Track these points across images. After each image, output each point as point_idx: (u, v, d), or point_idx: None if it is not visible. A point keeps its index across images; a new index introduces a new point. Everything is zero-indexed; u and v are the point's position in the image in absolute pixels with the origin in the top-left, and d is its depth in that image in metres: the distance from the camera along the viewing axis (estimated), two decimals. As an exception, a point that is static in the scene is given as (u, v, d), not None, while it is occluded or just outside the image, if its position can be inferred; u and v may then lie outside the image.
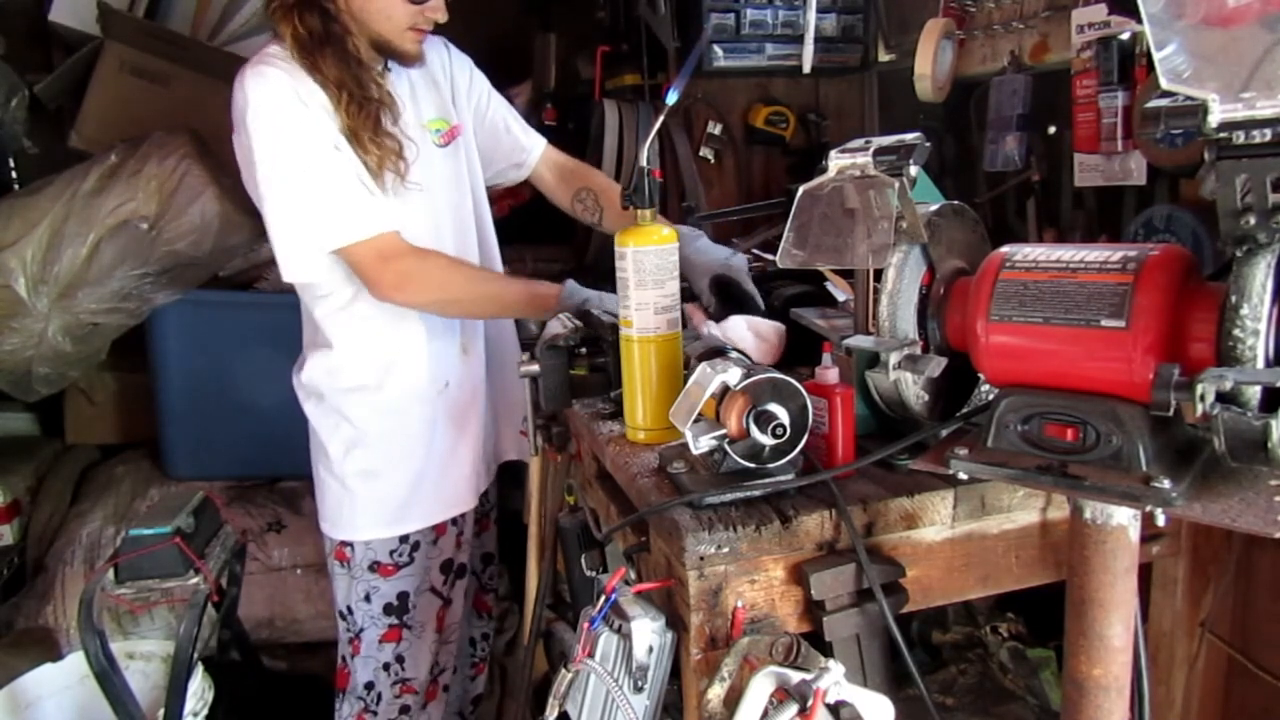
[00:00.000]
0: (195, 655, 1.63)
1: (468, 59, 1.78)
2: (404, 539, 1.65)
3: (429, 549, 1.69)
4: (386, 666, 1.69)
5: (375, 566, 1.64)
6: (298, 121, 1.44)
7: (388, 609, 1.67)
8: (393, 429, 1.62)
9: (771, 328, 1.39)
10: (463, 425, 1.71)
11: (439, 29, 1.58)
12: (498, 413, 1.83)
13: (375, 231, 1.48)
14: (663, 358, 1.17)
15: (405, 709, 1.72)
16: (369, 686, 1.69)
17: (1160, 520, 0.74)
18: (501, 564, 2.22)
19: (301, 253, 1.50)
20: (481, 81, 1.79)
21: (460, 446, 1.71)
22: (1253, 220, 0.69)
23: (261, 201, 1.49)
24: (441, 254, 1.57)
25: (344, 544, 1.65)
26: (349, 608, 1.67)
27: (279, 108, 1.44)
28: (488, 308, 1.63)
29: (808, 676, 0.81)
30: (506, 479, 1.94)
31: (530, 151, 1.83)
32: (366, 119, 1.47)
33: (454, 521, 1.73)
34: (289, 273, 1.51)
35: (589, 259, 2.56)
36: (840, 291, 1.50)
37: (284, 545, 2.41)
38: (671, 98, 1.20)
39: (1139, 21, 0.74)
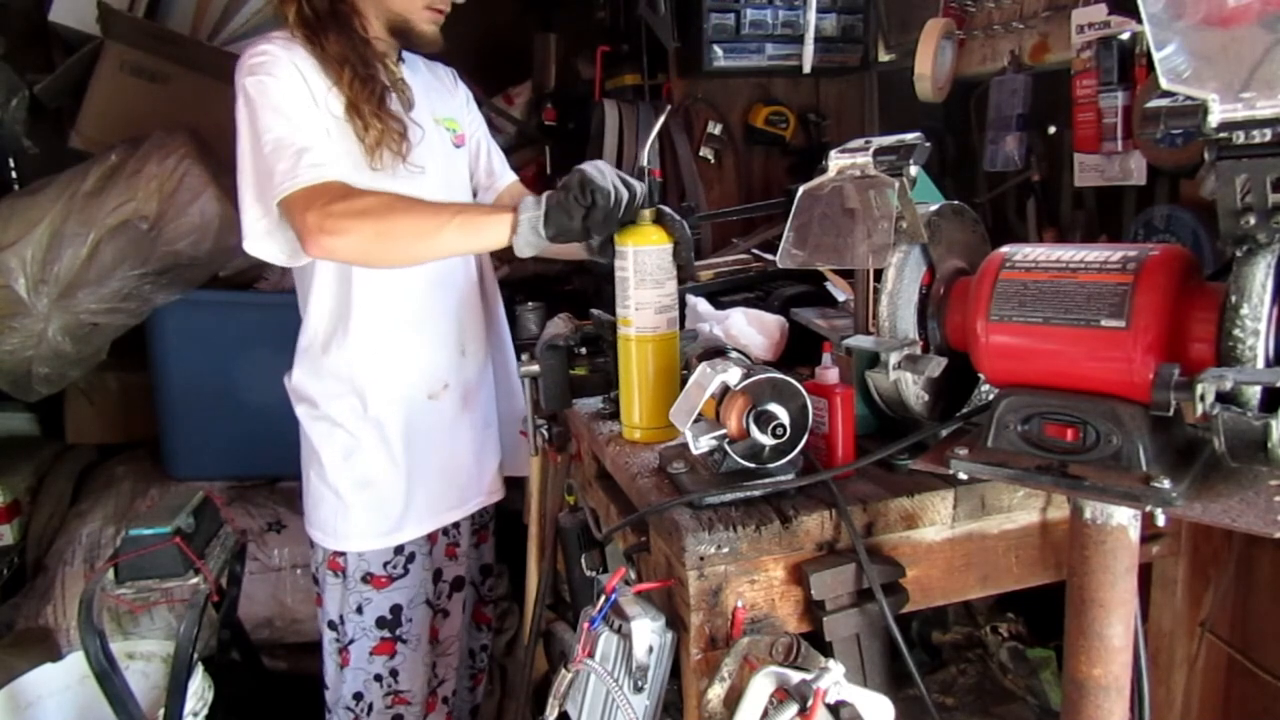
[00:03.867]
0: (195, 655, 1.62)
1: (468, 89, 1.80)
2: (399, 549, 1.62)
3: (424, 560, 1.66)
4: (378, 678, 1.65)
5: (368, 578, 1.61)
6: (274, 86, 1.39)
7: (380, 622, 1.62)
8: (390, 436, 1.58)
9: (775, 322, 1.39)
10: (463, 428, 1.68)
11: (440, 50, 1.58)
12: (505, 422, 1.79)
13: (308, 181, 1.33)
14: (660, 357, 1.17)
15: (398, 719, 1.70)
16: (358, 697, 1.66)
17: (1160, 520, 0.74)
18: (501, 564, 2.21)
19: (254, 221, 1.41)
20: (475, 108, 1.81)
21: (460, 450, 1.68)
22: (1253, 220, 0.69)
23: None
24: (375, 190, 1.38)
25: (338, 554, 1.61)
26: (340, 618, 1.63)
27: (263, 75, 1.39)
28: (428, 234, 1.35)
29: (808, 676, 0.81)
30: (505, 480, 1.92)
31: (499, 177, 1.80)
32: (370, 95, 1.44)
33: (445, 531, 1.70)
34: (248, 244, 1.43)
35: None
36: (840, 291, 1.51)
37: (284, 545, 2.41)
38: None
39: (1139, 21, 0.74)
